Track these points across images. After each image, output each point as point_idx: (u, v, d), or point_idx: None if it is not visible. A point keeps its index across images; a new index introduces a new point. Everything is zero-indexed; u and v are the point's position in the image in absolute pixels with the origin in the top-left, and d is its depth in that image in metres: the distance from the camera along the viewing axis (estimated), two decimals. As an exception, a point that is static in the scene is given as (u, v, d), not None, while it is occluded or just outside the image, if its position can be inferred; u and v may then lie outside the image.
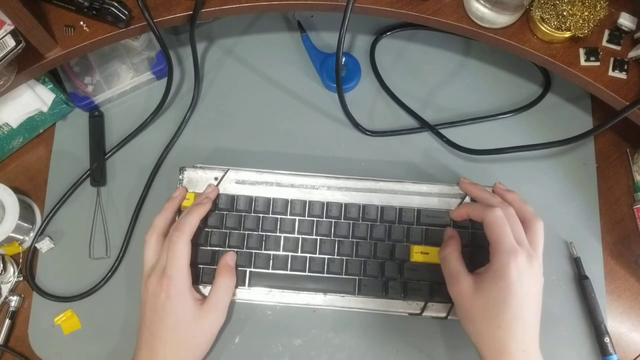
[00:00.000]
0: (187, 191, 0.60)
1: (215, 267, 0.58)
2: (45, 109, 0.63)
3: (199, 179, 0.61)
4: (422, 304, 0.58)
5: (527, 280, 0.50)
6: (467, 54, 0.71)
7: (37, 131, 0.67)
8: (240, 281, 0.58)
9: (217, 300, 0.55)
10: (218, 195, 0.60)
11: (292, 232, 0.60)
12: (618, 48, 0.58)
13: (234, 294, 0.58)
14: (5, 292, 0.61)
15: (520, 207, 0.55)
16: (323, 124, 0.68)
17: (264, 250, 0.60)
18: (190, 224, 0.55)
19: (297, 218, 0.60)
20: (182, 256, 0.53)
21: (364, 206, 0.60)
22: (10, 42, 0.50)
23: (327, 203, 0.60)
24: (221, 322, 0.56)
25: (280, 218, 0.60)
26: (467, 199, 0.61)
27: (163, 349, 0.51)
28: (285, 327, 0.60)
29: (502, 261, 0.50)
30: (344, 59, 0.68)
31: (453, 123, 0.67)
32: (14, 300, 0.61)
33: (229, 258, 0.58)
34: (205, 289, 0.58)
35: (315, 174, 0.62)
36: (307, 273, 0.59)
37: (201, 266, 0.59)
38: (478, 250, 0.58)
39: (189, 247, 0.54)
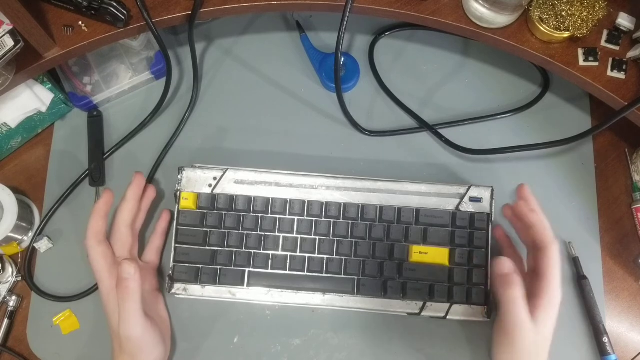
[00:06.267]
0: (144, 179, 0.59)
1: (214, 266, 0.58)
2: (43, 109, 0.63)
3: (198, 179, 0.61)
4: (420, 304, 0.58)
5: None
6: (466, 54, 0.71)
7: (36, 131, 0.66)
8: (239, 281, 0.59)
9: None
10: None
11: (291, 232, 0.60)
12: (617, 48, 0.58)
13: (233, 294, 0.58)
14: (3, 292, 0.61)
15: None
16: (322, 124, 0.68)
17: (263, 250, 0.60)
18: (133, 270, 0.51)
19: (296, 218, 0.60)
20: (133, 309, 0.51)
21: (363, 206, 0.60)
22: (9, 42, 0.49)
23: (326, 203, 0.60)
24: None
25: (279, 218, 0.60)
26: (467, 199, 0.61)
27: None
28: (284, 327, 0.60)
29: (555, 298, 0.52)
30: (342, 59, 0.68)
31: (452, 123, 0.67)
32: (13, 300, 0.61)
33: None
34: (204, 289, 0.58)
35: (314, 173, 0.62)
36: (306, 273, 0.59)
37: (201, 266, 0.59)
38: (476, 250, 0.59)
39: (139, 292, 0.51)
